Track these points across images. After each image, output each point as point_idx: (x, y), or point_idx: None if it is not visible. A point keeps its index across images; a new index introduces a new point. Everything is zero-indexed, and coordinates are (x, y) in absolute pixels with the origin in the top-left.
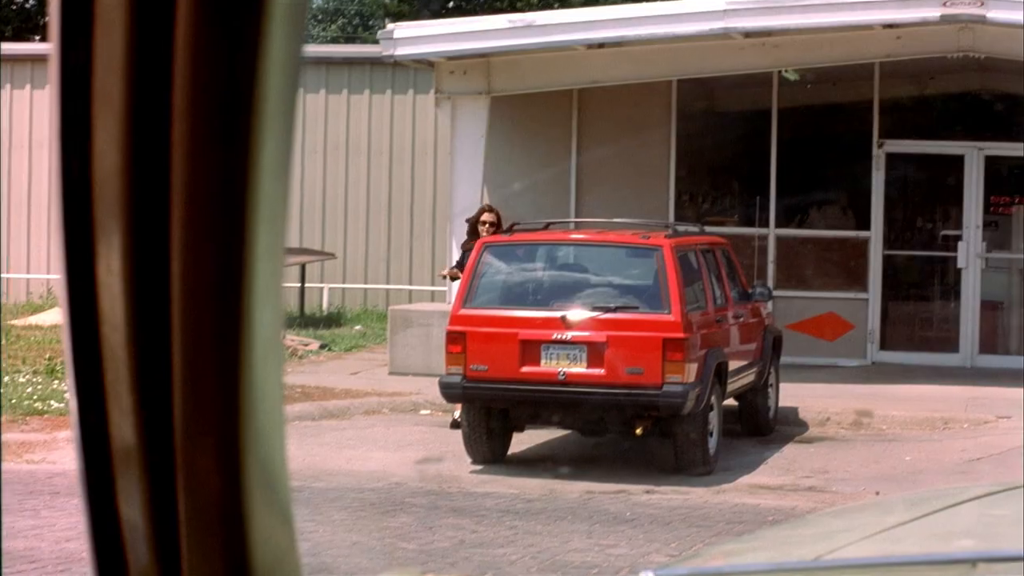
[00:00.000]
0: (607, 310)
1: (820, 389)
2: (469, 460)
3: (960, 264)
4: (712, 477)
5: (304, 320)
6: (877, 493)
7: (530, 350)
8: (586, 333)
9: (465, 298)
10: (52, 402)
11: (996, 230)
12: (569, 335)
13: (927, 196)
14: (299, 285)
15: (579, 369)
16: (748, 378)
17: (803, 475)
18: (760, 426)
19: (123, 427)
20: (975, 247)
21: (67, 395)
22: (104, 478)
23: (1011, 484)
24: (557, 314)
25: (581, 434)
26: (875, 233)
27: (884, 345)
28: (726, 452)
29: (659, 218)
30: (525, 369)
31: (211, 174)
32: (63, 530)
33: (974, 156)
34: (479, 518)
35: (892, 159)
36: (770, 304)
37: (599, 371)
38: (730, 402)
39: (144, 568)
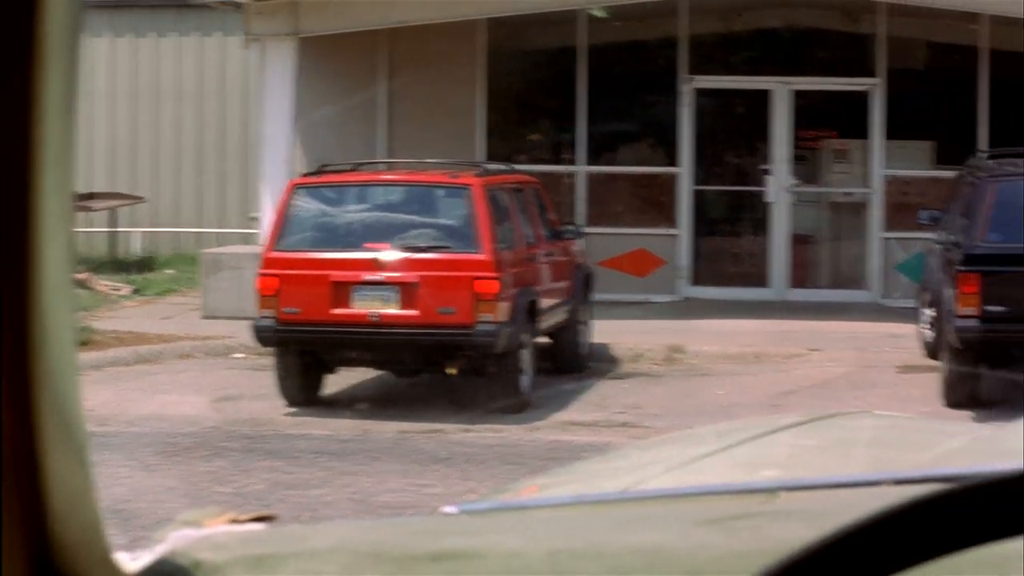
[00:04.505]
0: (418, 250)
1: (632, 325)
2: (283, 403)
3: (769, 199)
4: (526, 415)
5: (115, 265)
6: (690, 428)
7: (342, 292)
8: (398, 274)
9: (276, 241)
10: None
11: (805, 164)
12: (381, 276)
13: (736, 131)
14: (109, 230)
15: (392, 310)
16: (560, 316)
17: (616, 411)
18: (573, 363)
19: None
20: (784, 181)
21: None
22: None
23: (820, 414)
24: (368, 255)
25: (395, 375)
26: (684, 169)
27: (695, 280)
28: (540, 390)
29: (469, 157)
30: (337, 311)
31: None
32: None
33: (781, 91)
34: (294, 460)
35: (700, 95)
36: (581, 242)
37: (412, 312)
38: (543, 340)
39: None
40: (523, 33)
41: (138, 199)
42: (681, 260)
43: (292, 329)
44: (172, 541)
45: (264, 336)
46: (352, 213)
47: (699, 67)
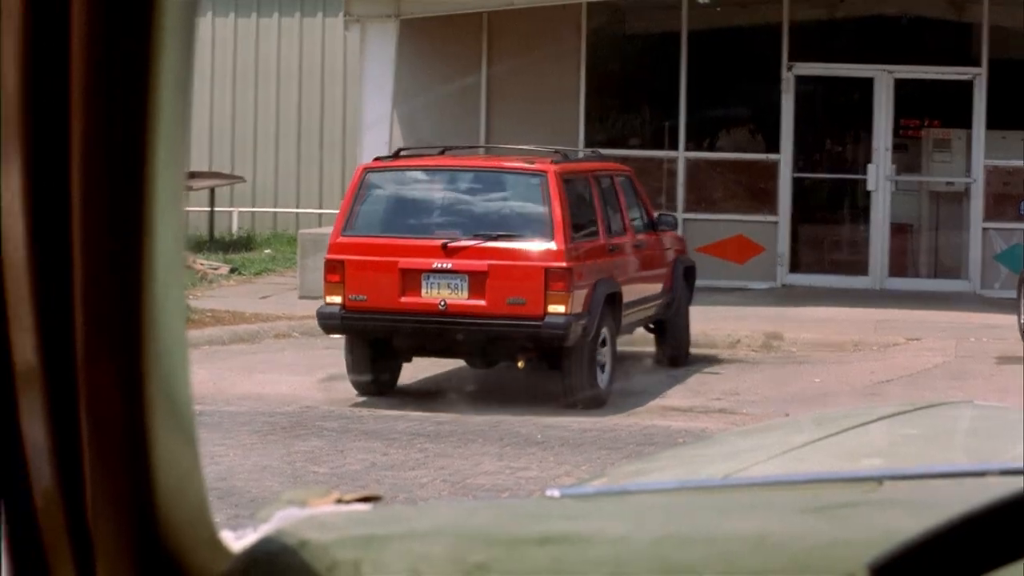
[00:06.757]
0: (489, 238)
1: (730, 312)
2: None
3: (870, 187)
4: (623, 400)
5: (214, 244)
6: (787, 415)
7: (410, 279)
8: (467, 262)
9: (344, 225)
10: None
11: (906, 152)
12: (450, 264)
13: (837, 119)
14: (208, 209)
15: (460, 299)
16: (653, 308)
17: (713, 397)
18: (673, 357)
19: (24, 346)
20: (884, 170)
21: None
22: (7, 398)
23: (920, 404)
24: (438, 242)
25: (468, 365)
26: (784, 156)
27: (794, 268)
28: (636, 375)
29: (569, 143)
30: (405, 299)
31: (110, 91)
32: None
33: (883, 79)
34: (390, 441)
35: (801, 82)
36: (681, 232)
37: (480, 301)
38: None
39: (47, 487)
40: (624, 18)
41: (238, 179)
42: (780, 247)
43: (358, 316)
44: (277, 520)
45: (329, 323)
46: (423, 198)
47: (800, 54)
